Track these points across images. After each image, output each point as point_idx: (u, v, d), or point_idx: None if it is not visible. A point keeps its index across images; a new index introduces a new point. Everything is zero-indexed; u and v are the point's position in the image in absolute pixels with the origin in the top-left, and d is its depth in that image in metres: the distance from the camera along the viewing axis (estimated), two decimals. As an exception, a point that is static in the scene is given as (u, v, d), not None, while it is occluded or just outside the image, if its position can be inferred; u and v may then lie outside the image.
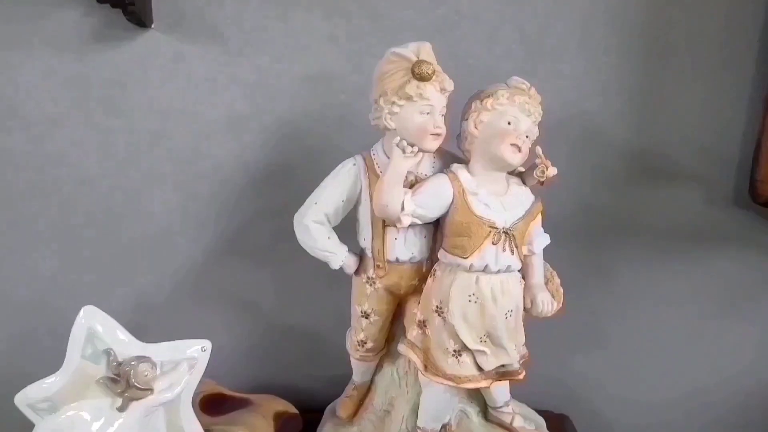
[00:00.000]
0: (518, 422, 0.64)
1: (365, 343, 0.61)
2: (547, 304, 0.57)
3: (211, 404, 0.65)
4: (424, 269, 0.58)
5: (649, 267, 0.77)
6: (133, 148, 0.72)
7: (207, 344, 0.59)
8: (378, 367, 0.66)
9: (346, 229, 0.59)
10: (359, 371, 0.65)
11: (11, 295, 0.76)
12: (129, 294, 0.75)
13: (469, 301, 0.53)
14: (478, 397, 0.65)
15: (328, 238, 0.57)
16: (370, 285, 0.58)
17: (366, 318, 0.60)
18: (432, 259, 0.57)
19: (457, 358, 0.55)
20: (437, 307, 0.54)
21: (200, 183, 0.73)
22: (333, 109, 0.70)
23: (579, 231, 0.74)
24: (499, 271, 0.53)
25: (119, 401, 0.55)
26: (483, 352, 0.55)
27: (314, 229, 0.56)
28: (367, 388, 0.66)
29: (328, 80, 0.70)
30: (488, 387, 0.57)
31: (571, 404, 0.79)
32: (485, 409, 0.66)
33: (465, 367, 0.55)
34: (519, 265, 0.55)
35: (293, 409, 0.66)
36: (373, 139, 0.58)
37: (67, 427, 0.55)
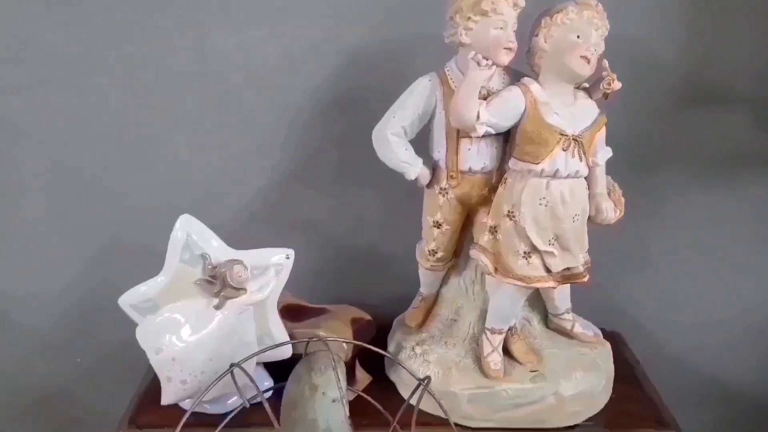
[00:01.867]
0: (578, 329, 0.68)
1: (436, 252, 0.65)
2: (611, 211, 0.61)
3: (291, 313, 0.70)
4: (494, 179, 0.62)
5: (698, 190, 0.80)
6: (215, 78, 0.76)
7: (291, 252, 0.64)
8: (444, 280, 0.70)
9: (417, 144, 0.63)
10: (427, 282, 0.70)
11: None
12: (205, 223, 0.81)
13: (540, 204, 0.57)
14: (539, 305, 0.69)
15: (405, 149, 0.61)
16: (443, 195, 0.62)
17: (437, 228, 0.64)
18: (502, 169, 0.61)
19: (527, 259, 0.59)
20: (509, 211, 0.59)
21: (270, 110, 0.77)
22: (402, 35, 0.73)
23: (628, 154, 0.77)
24: (568, 176, 0.57)
25: (215, 301, 0.61)
26: (551, 253, 0.59)
27: (393, 141, 0.60)
28: (434, 300, 0.71)
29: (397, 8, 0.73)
30: (555, 287, 0.61)
31: (619, 324, 0.82)
32: (546, 318, 0.70)
33: (534, 268, 0.59)
34: (586, 172, 0.58)
35: (367, 316, 0.71)
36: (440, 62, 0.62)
37: (169, 324, 0.61)
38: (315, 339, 0.55)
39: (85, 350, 0.85)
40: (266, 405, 0.49)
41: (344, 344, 0.66)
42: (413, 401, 0.54)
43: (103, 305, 0.80)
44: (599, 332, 0.70)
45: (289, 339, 0.65)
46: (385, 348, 0.71)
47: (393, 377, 0.69)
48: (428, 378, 0.55)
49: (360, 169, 0.77)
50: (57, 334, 0.84)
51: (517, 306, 0.64)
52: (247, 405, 0.56)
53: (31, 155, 0.78)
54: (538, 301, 0.69)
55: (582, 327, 0.69)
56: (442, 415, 0.63)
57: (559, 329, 0.69)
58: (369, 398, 0.59)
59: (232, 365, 0.51)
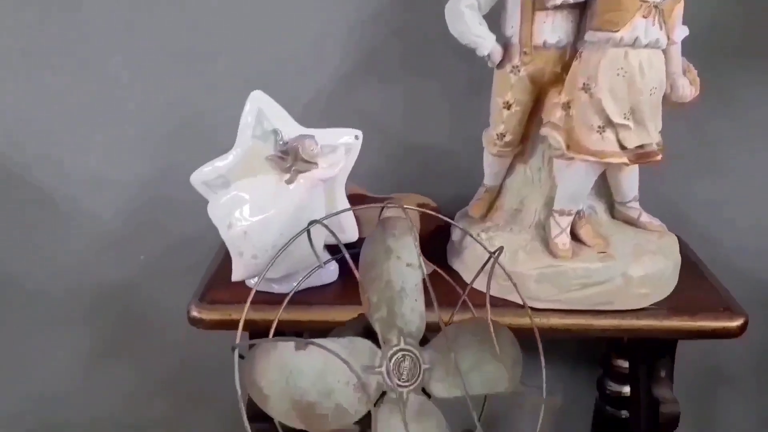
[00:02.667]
0: (645, 218, 0.68)
1: (504, 136, 0.65)
2: (686, 87, 0.60)
3: (354, 202, 0.70)
4: (568, 56, 0.61)
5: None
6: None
7: (359, 133, 0.64)
8: (509, 170, 0.70)
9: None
10: (492, 172, 0.69)
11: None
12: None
13: (617, 75, 0.57)
14: (606, 193, 0.69)
15: (479, 23, 0.60)
16: (514, 74, 0.62)
17: (507, 109, 0.64)
18: (575, 46, 0.61)
19: (600, 134, 0.58)
20: (584, 84, 0.58)
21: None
22: None
23: (698, 51, 0.76)
24: (647, 45, 0.56)
25: (287, 176, 0.61)
26: (626, 126, 0.58)
27: (467, 13, 0.59)
28: (498, 192, 0.71)
29: None
30: (628, 164, 0.60)
31: (684, 228, 0.81)
32: (612, 208, 0.70)
33: (608, 142, 0.59)
34: (665, 42, 0.57)
35: (433, 203, 0.71)
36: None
37: (240, 200, 0.61)
38: (392, 204, 0.55)
39: (149, 244, 0.86)
40: (348, 258, 0.49)
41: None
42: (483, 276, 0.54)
43: (169, 194, 0.82)
44: (664, 226, 0.70)
45: (355, 221, 0.66)
46: (448, 239, 0.72)
47: (456, 265, 0.69)
48: (500, 248, 0.55)
49: (423, 62, 0.76)
50: (120, 226, 0.85)
51: (588, 186, 0.63)
52: (323, 265, 0.57)
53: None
54: (604, 190, 0.69)
55: (649, 216, 0.68)
56: (508, 298, 0.63)
57: (626, 218, 0.68)
58: (442, 272, 0.60)
59: (311, 222, 0.52)
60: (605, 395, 0.87)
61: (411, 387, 0.51)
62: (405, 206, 0.55)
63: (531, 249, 0.64)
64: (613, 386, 0.86)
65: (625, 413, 0.85)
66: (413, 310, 0.53)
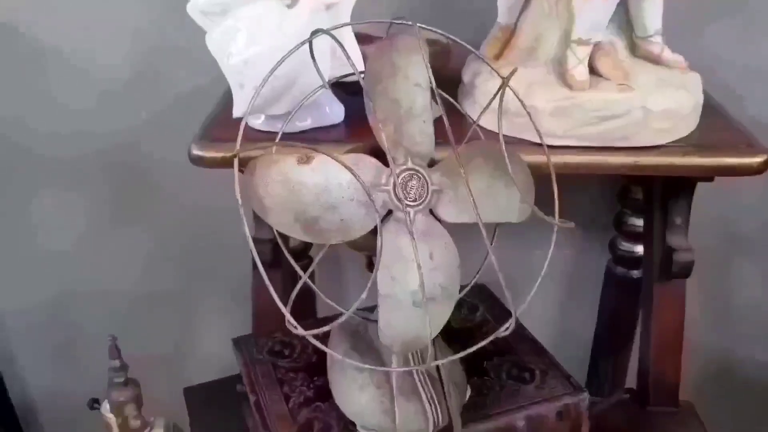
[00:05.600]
0: (668, 54, 0.64)
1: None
2: None
3: (363, 40, 0.67)
4: None
5: None
6: None
7: (366, -42, 0.60)
8: (524, 6, 0.66)
9: None
10: (506, 7, 0.66)
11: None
12: None
13: None
14: (627, 29, 0.65)
15: None
16: None
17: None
18: None
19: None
20: None
21: None
22: None
23: None
24: None
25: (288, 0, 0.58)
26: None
27: None
28: (512, 31, 0.67)
29: None
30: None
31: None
32: (633, 46, 0.66)
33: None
34: None
35: (445, 41, 0.68)
36: None
37: (240, 27, 0.58)
38: (399, 20, 0.51)
39: (151, 99, 0.84)
40: (358, 75, 0.46)
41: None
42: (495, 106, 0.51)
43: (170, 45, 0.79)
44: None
45: (361, 55, 0.63)
46: (460, 80, 0.68)
47: (468, 107, 0.66)
48: (514, 70, 0.52)
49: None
50: (119, 79, 0.83)
51: (608, 12, 0.60)
52: (327, 86, 0.54)
53: None
54: (625, 25, 0.65)
55: (671, 54, 0.64)
56: (521, 136, 0.61)
57: (647, 55, 0.64)
58: (451, 99, 0.57)
59: (314, 32, 0.49)
60: (617, 256, 0.86)
61: (418, 207, 0.49)
62: (417, 24, 0.51)
63: (546, 82, 0.61)
64: (626, 246, 0.84)
65: (636, 273, 0.85)
66: (422, 132, 0.50)
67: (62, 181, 0.89)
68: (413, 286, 0.48)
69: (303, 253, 0.80)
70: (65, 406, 1.03)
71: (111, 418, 0.74)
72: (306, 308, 0.78)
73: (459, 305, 0.68)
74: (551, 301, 0.93)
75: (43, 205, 0.90)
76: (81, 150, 0.87)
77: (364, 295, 0.46)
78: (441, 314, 0.50)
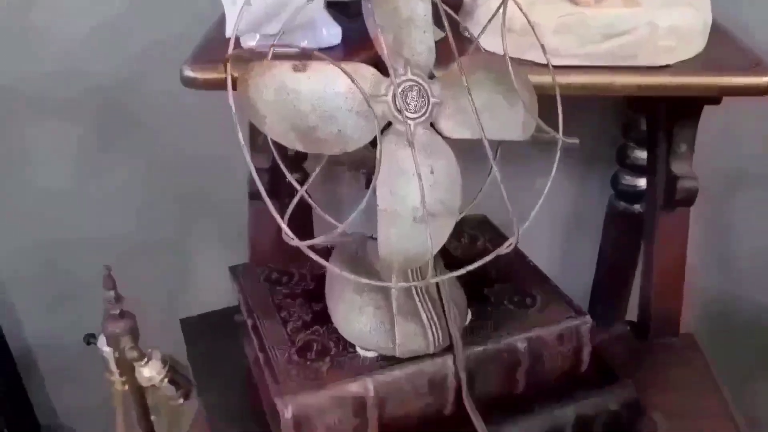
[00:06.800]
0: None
1: None
2: None
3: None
4: None
5: None
6: None
7: None
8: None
9: None
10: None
11: None
12: None
13: None
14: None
15: None
16: None
17: None
18: None
19: None
20: None
21: None
22: None
23: None
24: None
25: None
26: None
27: None
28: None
29: None
30: None
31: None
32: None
33: None
34: None
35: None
36: None
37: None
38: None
39: (144, 36, 0.82)
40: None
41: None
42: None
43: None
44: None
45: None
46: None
47: (470, 26, 0.64)
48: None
49: None
50: (113, 15, 0.80)
51: None
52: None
53: None
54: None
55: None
56: (524, 57, 0.59)
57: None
58: (453, 14, 0.55)
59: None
60: (620, 191, 0.85)
61: (419, 120, 0.48)
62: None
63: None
64: (628, 180, 0.83)
65: (638, 207, 0.83)
66: (422, 43, 0.48)
67: (54, 122, 0.87)
68: (413, 202, 0.47)
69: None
70: (62, 353, 1.03)
71: (107, 351, 0.74)
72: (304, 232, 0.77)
73: (459, 236, 0.68)
74: (553, 238, 0.92)
75: (37, 147, 0.89)
76: (73, 89, 0.84)
77: (362, 205, 0.44)
78: (441, 230, 0.48)
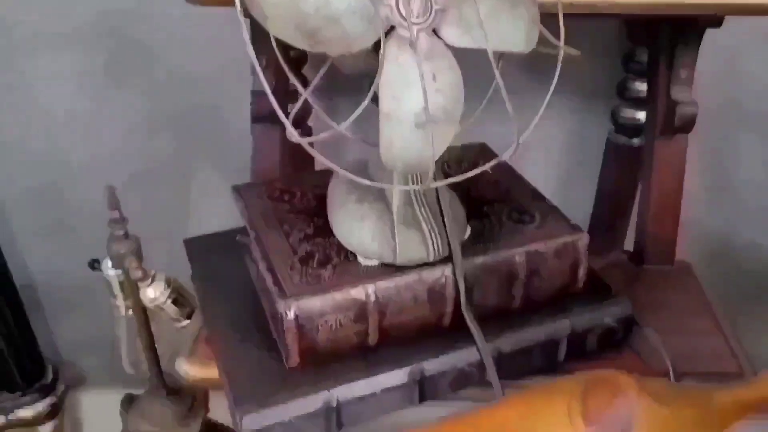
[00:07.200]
0: None
1: None
2: None
3: None
4: None
5: None
6: None
7: None
8: None
9: None
10: None
11: None
12: None
13: None
14: None
15: None
16: None
17: None
18: None
19: None
20: None
21: None
22: None
23: None
24: None
25: None
26: None
27: None
28: None
29: None
30: None
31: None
32: None
33: None
34: None
35: None
36: None
37: None
38: None
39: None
40: None
41: None
42: None
43: None
44: None
45: None
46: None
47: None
48: None
49: None
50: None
51: None
52: None
53: None
54: None
55: None
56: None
57: None
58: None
59: None
60: (619, 125, 0.85)
61: (422, 25, 0.48)
62: None
63: None
64: (628, 113, 0.84)
65: (636, 141, 0.84)
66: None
67: (55, 47, 0.87)
68: (415, 107, 0.47)
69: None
70: (64, 286, 1.04)
71: (112, 274, 0.75)
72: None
73: (460, 161, 0.68)
74: (552, 172, 0.93)
75: (37, 72, 0.88)
76: (74, 12, 0.84)
77: (365, 103, 0.45)
78: (443, 137, 0.49)
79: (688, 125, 0.68)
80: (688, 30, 0.65)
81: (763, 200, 0.93)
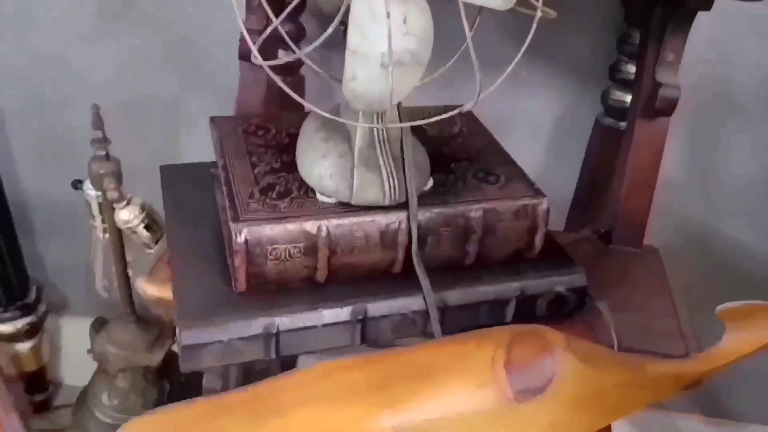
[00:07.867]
0: None
1: None
2: None
3: None
4: None
5: None
6: None
7: None
8: None
9: None
10: None
11: None
12: None
13: None
14: None
15: None
16: None
17: None
18: None
19: None
20: None
21: None
22: None
23: None
24: None
25: None
26: None
27: None
28: None
29: None
30: None
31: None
32: None
33: None
34: None
35: None
36: None
37: None
38: None
39: None
40: None
41: None
42: None
43: None
44: None
45: None
46: None
47: None
48: None
49: None
50: None
51: None
52: None
53: None
54: None
55: None
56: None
57: None
58: None
59: None
60: (608, 106, 0.85)
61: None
62: None
63: None
64: (617, 95, 0.83)
65: (623, 124, 0.84)
66: None
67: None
68: (382, 47, 0.48)
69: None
70: (55, 208, 1.06)
71: (91, 194, 0.77)
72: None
73: (430, 116, 0.69)
74: (540, 150, 0.93)
75: (31, 4, 0.89)
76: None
77: (328, 31, 0.46)
78: (408, 80, 0.50)
79: (669, 108, 0.68)
80: (678, 11, 0.65)
81: (746, 193, 0.93)
